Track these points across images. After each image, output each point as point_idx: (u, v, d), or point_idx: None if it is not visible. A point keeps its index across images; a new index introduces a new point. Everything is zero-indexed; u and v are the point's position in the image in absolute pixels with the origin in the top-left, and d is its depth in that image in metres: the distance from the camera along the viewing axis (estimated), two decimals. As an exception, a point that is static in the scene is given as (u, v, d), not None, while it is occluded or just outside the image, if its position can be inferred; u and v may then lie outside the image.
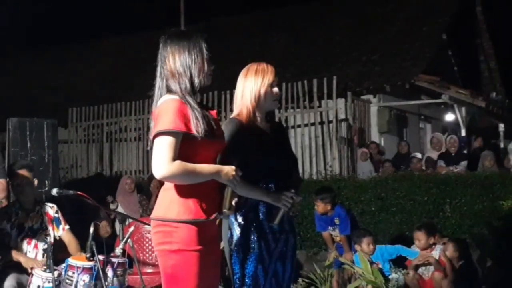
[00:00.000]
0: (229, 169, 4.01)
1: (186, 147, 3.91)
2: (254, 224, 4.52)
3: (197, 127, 3.89)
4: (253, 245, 4.49)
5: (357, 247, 9.35)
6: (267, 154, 4.61)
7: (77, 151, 18.17)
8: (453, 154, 13.37)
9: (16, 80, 24.65)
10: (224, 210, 4.03)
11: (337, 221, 9.67)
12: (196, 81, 4.03)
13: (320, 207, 9.73)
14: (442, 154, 13.81)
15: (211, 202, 4.05)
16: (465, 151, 13.91)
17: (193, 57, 4.02)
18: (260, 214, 4.55)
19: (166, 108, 3.93)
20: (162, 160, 3.83)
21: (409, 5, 20.25)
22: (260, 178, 4.55)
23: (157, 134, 3.88)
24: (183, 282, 3.94)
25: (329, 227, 9.79)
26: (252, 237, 4.50)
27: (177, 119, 3.87)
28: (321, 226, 9.91)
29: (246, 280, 4.47)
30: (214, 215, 4.04)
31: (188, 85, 4.00)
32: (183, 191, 3.97)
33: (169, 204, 4.01)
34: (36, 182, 7.31)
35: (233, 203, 4.04)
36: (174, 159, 3.84)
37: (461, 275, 8.79)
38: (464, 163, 12.74)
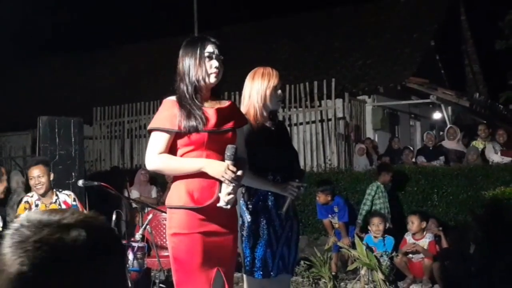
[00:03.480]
0: (217, 166, 3.94)
1: (179, 141, 4.01)
2: (264, 212, 4.53)
3: (181, 124, 3.95)
4: (263, 232, 4.50)
5: (369, 227, 9.50)
6: (273, 149, 4.63)
7: (100, 146, 18.20)
8: (431, 148, 13.35)
9: (46, 83, 24.71)
10: (221, 199, 3.99)
11: (336, 209, 9.70)
12: (193, 80, 4.03)
13: (321, 198, 9.78)
14: (421, 149, 13.82)
15: (205, 191, 4.01)
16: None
17: (191, 60, 4.05)
18: (269, 203, 4.55)
19: (160, 108, 4.12)
20: (150, 153, 3.99)
21: (401, 15, 20.23)
22: (267, 171, 4.56)
23: (149, 131, 4.06)
24: (182, 262, 3.98)
25: (329, 215, 9.82)
26: (261, 224, 4.51)
27: (164, 117, 4.01)
28: (322, 214, 9.96)
29: (256, 263, 4.49)
30: (206, 203, 3.98)
31: (188, 85, 4.04)
32: (178, 180, 4.06)
33: (170, 192, 4.14)
34: (52, 175, 7.21)
35: (227, 192, 3.97)
36: (161, 152, 3.96)
37: (448, 258, 8.80)
38: (442, 158, 12.68)
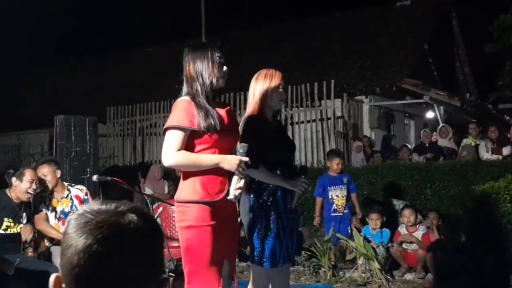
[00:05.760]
0: (232, 159, 4.03)
1: (195, 139, 4.01)
2: (273, 206, 4.55)
3: (200, 123, 3.96)
4: (273, 224, 4.53)
5: (368, 219, 9.49)
6: (280, 145, 4.65)
7: (114, 143, 18.25)
8: (427, 145, 13.35)
9: (63, 84, 24.77)
10: (231, 193, 4.05)
11: (345, 180, 9.53)
12: (207, 82, 4.08)
13: (336, 163, 9.52)
14: (418, 146, 13.79)
15: (218, 186, 4.09)
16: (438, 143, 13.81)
17: (203, 63, 4.08)
18: (278, 198, 4.57)
19: (175, 108, 4.08)
20: (168, 150, 3.96)
21: (396, 20, 20.24)
22: (276, 166, 4.57)
23: (166, 129, 4.01)
24: (196, 253, 4.00)
25: (339, 186, 9.51)
26: (271, 217, 4.53)
27: (183, 116, 3.98)
28: (318, 192, 9.66)
29: (266, 253, 4.51)
30: (220, 197, 4.07)
31: (199, 87, 4.07)
32: (191, 176, 4.06)
33: (182, 187, 4.11)
34: (59, 173, 7.23)
35: (238, 187, 4.05)
36: (179, 149, 3.94)
37: (441, 249, 8.80)
38: (429, 155, 12.70)
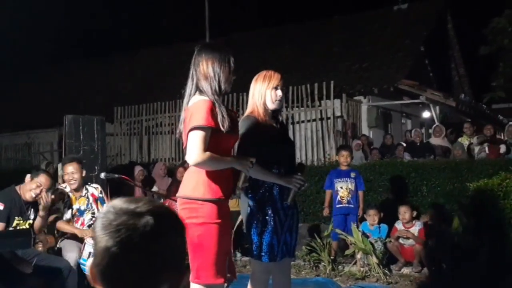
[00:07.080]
0: (244, 159, 4.10)
1: (212, 139, 3.97)
2: (270, 202, 4.57)
3: (223, 123, 3.96)
4: (269, 220, 4.54)
5: (366, 216, 9.46)
6: (277, 145, 4.66)
7: (121, 142, 18.23)
8: (418, 144, 13.35)
9: (71, 84, 24.78)
10: (237, 190, 4.11)
11: (353, 174, 9.53)
12: (222, 86, 4.08)
13: (344, 157, 9.60)
14: (408, 146, 13.77)
15: (228, 185, 4.14)
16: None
17: (222, 66, 4.07)
18: (274, 194, 4.59)
19: (199, 107, 3.98)
20: (196, 150, 3.90)
21: (394, 23, 20.24)
22: (272, 164, 4.58)
23: (192, 129, 3.93)
24: (208, 249, 4.01)
25: (345, 179, 9.52)
26: (268, 213, 4.55)
27: (208, 116, 3.92)
28: (327, 185, 9.68)
29: (263, 248, 4.53)
30: (229, 196, 4.15)
31: (216, 88, 4.05)
32: (207, 175, 4.05)
33: (195, 185, 4.07)
34: (84, 172, 7.20)
35: (243, 185, 4.13)
36: (206, 150, 3.91)
37: (436, 244, 8.81)
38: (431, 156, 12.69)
